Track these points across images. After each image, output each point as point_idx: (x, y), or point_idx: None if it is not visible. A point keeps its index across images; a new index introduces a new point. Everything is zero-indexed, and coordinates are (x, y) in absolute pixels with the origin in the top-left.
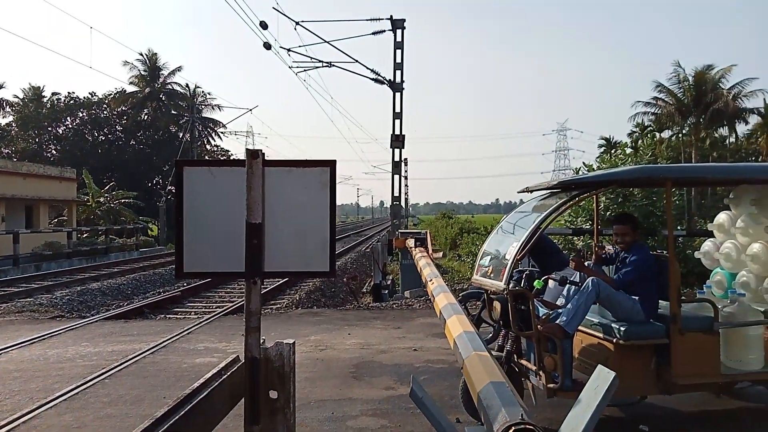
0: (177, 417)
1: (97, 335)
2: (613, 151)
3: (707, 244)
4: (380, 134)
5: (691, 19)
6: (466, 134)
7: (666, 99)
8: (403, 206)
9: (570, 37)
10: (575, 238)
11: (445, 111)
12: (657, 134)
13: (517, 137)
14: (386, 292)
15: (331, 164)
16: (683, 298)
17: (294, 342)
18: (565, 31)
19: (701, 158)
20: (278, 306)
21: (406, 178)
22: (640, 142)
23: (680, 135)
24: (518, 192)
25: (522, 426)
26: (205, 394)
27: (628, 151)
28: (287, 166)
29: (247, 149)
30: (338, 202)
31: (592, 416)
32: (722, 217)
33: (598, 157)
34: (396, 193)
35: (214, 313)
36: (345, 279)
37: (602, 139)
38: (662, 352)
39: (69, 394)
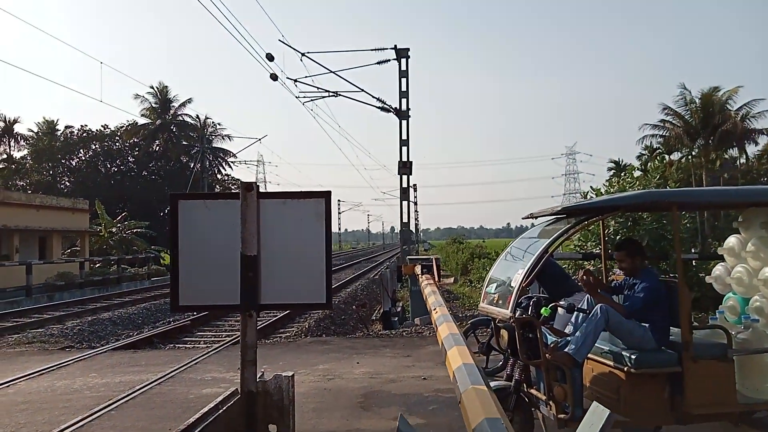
0: None
1: (106, 366)
2: (622, 175)
3: (718, 269)
4: (388, 161)
5: (696, 41)
6: (476, 159)
7: (673, 121)
8: (414, 231)
9: (576, 60)
10: (585, 263)
11: (454, 136)
12: (666, 156)
13: (526, 161)
14: (396, 319)
15: (326, 195)
16: (695, 324)
17: (293, 374)
18: (571, 54)
19: (712, 180)
20: (287, 334)
21: (416, 203)
22: (649, 164)
23: (690, 157)
24: (522, 218)
25: None
26: (199, 429)
27: (637, 174)
28: (282, 198)
29: (240, 182)
30: (349, 229)
31: None
32: (732, 240)
33: (607, 180)
34: (405, 219)
35: (222, 343)
36: (354, 306)
37: (611, 162)
38: (675, 381)
39: (74, 427)
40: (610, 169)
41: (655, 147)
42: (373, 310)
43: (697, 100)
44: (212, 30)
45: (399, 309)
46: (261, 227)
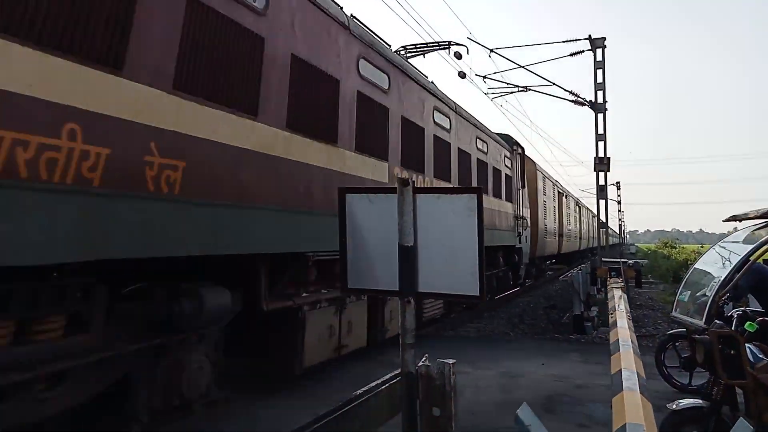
0: (333, 417)
1: None
2: None
3: None
4: (586, 157)
5: None
6: (693, 155)
7: None
8: (618, 232)
9: None
10: None
11: (667, 130)
12: None
13: (757, 157)
14: (590, 324)
15: (478, 191)
16: None
17: (454, 362)
18: None
19: None
20: (477, 328)
21: (619, 203)
22: None
23: None
24: (723, 221)
25: None
26: (361, 400)
27: None
28: (436, 193)
29: (398, 178)
30: None
31: None
32: None
33: None
34: (602, 219)
35: None
36: (543, 309)
37: None
38: None
39: None
40: None
41: None
42: (566, 312)
43: None
44: (406, 30)
45: (593, 314)
46: (417, 220)
